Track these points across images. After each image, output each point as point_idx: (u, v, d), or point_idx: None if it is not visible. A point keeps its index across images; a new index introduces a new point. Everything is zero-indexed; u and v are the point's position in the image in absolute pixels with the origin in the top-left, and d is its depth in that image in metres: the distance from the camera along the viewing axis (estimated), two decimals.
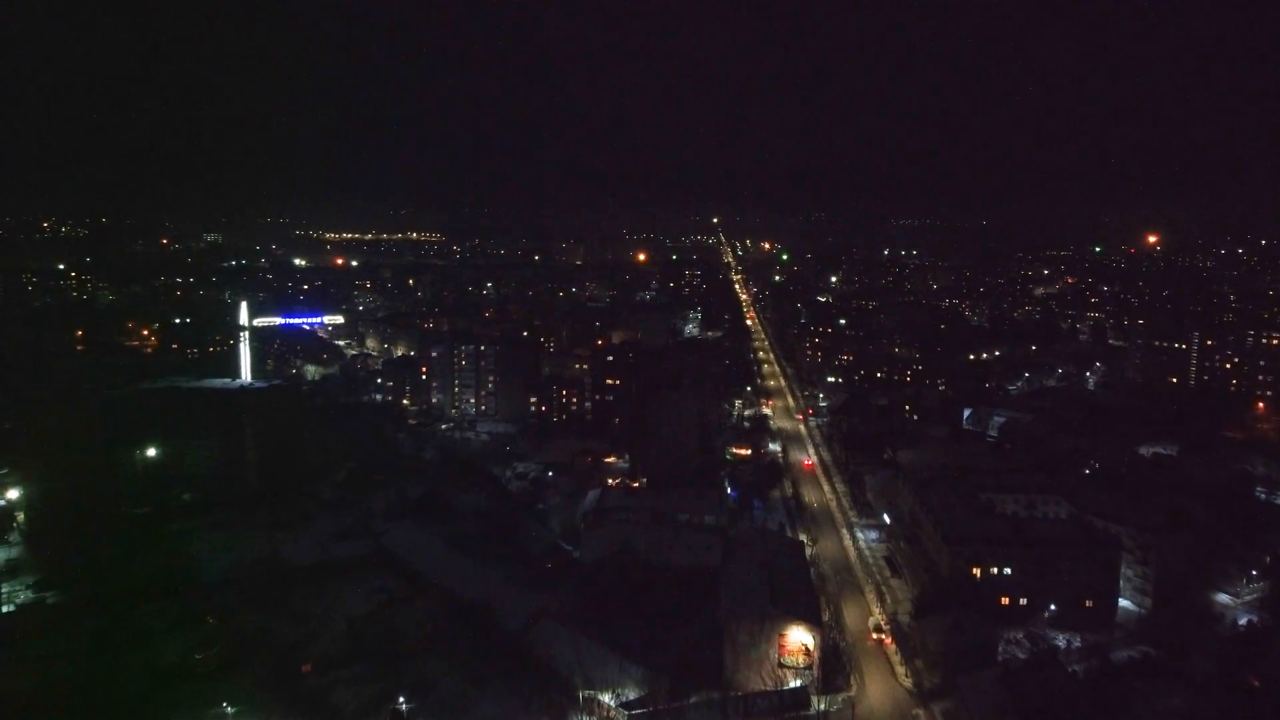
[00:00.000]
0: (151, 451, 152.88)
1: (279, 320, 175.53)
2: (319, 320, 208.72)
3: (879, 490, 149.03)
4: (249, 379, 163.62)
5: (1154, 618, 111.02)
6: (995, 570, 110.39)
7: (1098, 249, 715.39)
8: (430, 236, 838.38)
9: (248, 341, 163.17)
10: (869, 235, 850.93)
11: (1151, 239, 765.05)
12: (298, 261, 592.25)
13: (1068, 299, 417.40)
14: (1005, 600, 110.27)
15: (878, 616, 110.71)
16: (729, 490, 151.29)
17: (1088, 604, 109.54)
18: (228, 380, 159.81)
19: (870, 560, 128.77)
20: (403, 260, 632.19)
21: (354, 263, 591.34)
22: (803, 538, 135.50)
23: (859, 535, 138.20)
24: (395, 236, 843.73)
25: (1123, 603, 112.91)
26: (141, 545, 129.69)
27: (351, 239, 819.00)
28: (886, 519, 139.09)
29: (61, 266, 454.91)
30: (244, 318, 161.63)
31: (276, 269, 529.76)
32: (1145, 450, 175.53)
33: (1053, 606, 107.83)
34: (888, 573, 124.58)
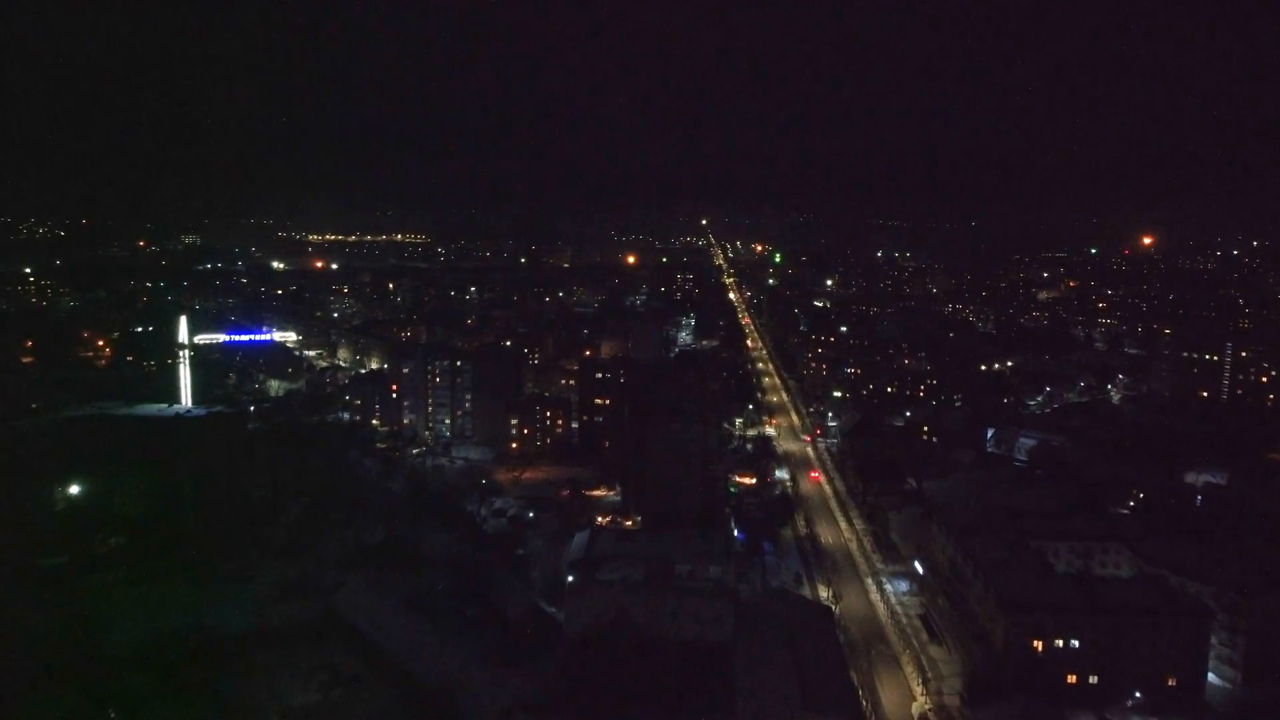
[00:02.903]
0: (74, 489, 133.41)
1: (222, 337, 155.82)
2: (268, 337, 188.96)
3: (906, 531, 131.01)
4: (189, 404, 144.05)
5: (1247, 698, 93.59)
6: (1061, 643, 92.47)
7: (1094, 250, 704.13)
8: (415, 238, 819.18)
9: (188, 362, 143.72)
10: (860, 236, 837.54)
11: (1147, 240, 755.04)
12: (276, 265, 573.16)
13: (1074, 303, 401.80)
14: (1073, 678, 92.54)
15: (921, 701, 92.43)
16: (735, 531, 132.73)
17: (1171, 682, 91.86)
18: (163, 406, 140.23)
19: (904, 620, 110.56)
20: (385, 263, 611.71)
21: (333, 266, 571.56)
22: (824, 592, 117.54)
23: (887, 587, 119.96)
24: (380, 238, 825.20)
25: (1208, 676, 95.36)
26: (48, 606, 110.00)
27: (335, 240, 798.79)
28: (918, 567, 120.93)
29: (28, 270, 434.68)
30: (183, 334, 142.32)
31: (252, 272, 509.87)
32: (1192, 478, 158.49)
33: (1136, 694, 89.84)
34: (925, 637, 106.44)
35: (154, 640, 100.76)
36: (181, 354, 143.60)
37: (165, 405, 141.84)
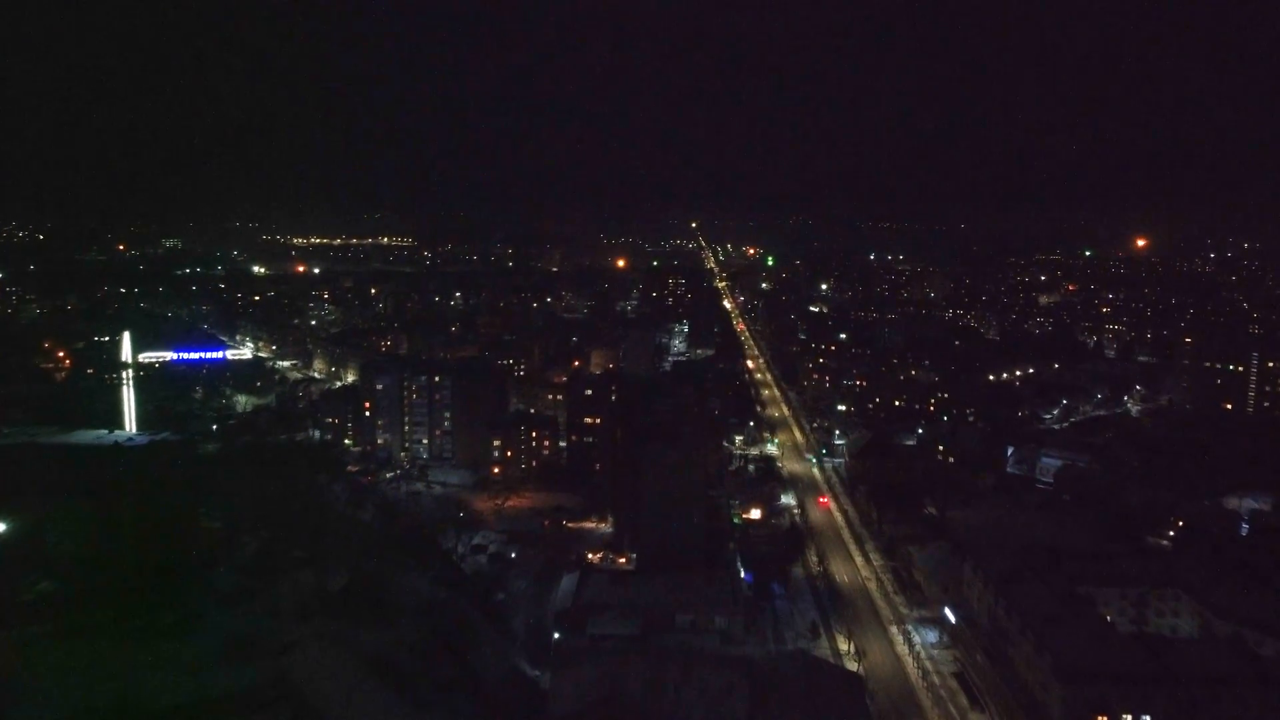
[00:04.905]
0: None
1: (170, 355, 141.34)
2: (221, 354, 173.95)
3: (932, 570, 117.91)
4: (133, 428, 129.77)
5: None
6: (1129, 718, 79.44)
7: (1088, 253, 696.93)
8: (401, 241, 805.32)
9: (132, 382, 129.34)
10: (852, 239, 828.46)
11: (1140, 242, 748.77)
12: (257, 269, 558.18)
13: (1077, 308, 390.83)
14: None
15: None
16: (741, 570, 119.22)
17: None
18: (102, 432, 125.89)
19: (937, 679, 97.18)
20: (369, 267, 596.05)
21: (315, 270, 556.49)
22: (844, 645, 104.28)
23: (915, 637, 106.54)
24: (365, 241, 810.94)
25: None
26: None
27: (320, 244, 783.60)
28: (949, 615, 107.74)
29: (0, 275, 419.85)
30: (127, 352, 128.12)
31: (232, 278, 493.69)
32: (1234, 503, 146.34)
33: None
34: (963, 701, 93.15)
35: (75, 714, 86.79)
36: (125, 374, 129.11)
37: (105, 431, 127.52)
